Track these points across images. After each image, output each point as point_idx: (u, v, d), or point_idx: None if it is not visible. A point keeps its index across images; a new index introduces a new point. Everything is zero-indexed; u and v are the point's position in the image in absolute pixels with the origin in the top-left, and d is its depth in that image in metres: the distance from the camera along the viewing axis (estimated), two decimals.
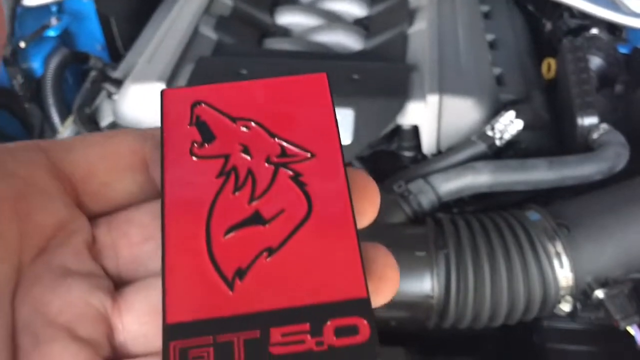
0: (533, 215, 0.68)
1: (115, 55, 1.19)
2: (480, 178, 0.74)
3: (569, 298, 0.67)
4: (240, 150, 0.23)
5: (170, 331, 0.19)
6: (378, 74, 0.85)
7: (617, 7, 0.97)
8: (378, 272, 0.22)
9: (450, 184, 0.74)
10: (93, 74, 0.98)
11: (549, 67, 0.97)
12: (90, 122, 0.92)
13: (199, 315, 0.20)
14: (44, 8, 1.11)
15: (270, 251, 0.21)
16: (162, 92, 0.25)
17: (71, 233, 0.22)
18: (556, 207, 0.71)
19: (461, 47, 0.92)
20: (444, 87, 0.82)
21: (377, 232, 0.65)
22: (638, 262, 0.68)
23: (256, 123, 0.24)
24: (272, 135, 0.24)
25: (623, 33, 1.02)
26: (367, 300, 0.20)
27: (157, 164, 0.23)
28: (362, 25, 1.07)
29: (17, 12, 1.05)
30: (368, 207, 0.23)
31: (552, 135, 0.86)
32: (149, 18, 1.11)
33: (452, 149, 0.80)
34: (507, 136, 0.79)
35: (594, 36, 0.98)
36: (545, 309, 0.67)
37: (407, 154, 0.84)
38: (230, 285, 0.20)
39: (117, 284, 0.22)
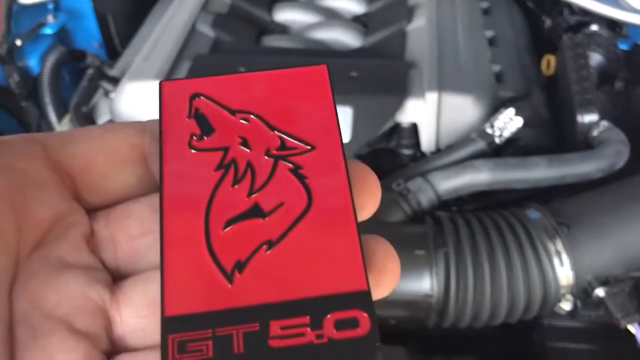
0: (533, 213, 0.68)
1: (113, 52, 1.19)
2: (479, 176, 0.73)
3: (569, 297, 0.67)
4: (239, 143, 0.23)
5: (169, 324, 0.19)
6: (377, 71, 0.84)
7: (617, 3, 0.97)
8: (379, 264, 0.21)
9: (450, 182, 0.74)
10: (90, 72, 0.97)
11: (549, 63, 0.97)
12: (87, 121, 0.91)
13: (198, 308, 0.20)
14: (41, 6, 1.10)
15: (270, 244, 0.21)
16: (161, 84, 0.25)
17: (69, 226, 0.22)
18: (556, 205, 0.71)
19: (460, 44, 0.91)
20: (443, 85, 0.82)
21: (376, 230, 0.65)
22: (639, 260, 0.68)
23: (255, 116, 0.24)
24: (272, 128, 0.23)
25: (623, 29, 1.01)
26: (367, 293, 0.20)
27: (155, 157, 0.23)
28: (360, 22, 1.07)
29: (14, 10, 1.05)
30: (368, 200, 0.23)
31: (551, 133, 0.85)
32: (146, 15, 1.11)
33: (452, 147, 0.79)
34: (506, 134, 0.78)
35: (594, 33, 0.97)
36: (546, 308, 0.67)
37: (406, 151, 0.83)
38: (230, 278, 0.20)
39: (116, 278, 0.22)
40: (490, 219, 0.68)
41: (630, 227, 0.68)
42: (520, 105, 0.80)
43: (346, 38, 1.01)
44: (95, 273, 0.21)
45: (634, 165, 0.75)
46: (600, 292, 0.66)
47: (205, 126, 0.23)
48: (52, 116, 1.04)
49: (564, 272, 0.65)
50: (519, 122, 0.79)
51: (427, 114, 0.80)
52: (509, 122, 0.79)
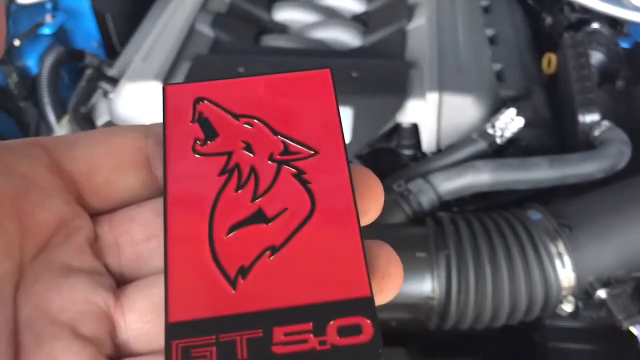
0: (534, 214, 0.68)
1: (112, 52, 1.18)
2: (481, 177, 0.73)
3: (570, 298, 0.66)
4: (242, 148, 0.23)
5: (173, 330, 0.19)
6: (377, 71, 0.84)
7: (618, 1, 0.96)
8: (381, 269, 0.21)
9: (451, 183, 0.73)
10: (89, 72, 0.97)
11: (549, 62, 0.96)
12: (86, 121, 0.91)
13: (202, 314, 0.20)
14: (39, 5, 1.10)
15: (273, 250, 0.21)
16: (164, 88, 0.25)
17: (73, 230, 0.22)
18: (557, 206, 0.70)
19: (461, 43, 0.91)
20: (443, 85, 0.81)
21: (377, 232, 0.65)
22: None
23: (259, 120, 0.24)
24: (275, 133, 0.23)
25: (624, 27, 1.01)
26: (370, 300, 0.20)
27: (159, 161, 0.23)
28: (360, 21, 1.06)
29: (11, 10, 1.04)
30: (371, 205, 0.23)
31: (553, 133, 0.85)
32: (145, 14, 1.10)
33: (452, 147, 0.79)
34: (507, 134, 0.78)
35: (595, 31, 0.97)
36: (547, 310, 0.67)
37: (407, 152, 0.83)
38: (233, 284, 0.20)
39: (120, 282, 0.22)
40: (491, 220, 0.68)
41: (632, 228, 0.67)
42: (521, 106, 0.80)
43: (346, 37, 1.00)
44: (99, 277, 0.21)
45: (635, 165, 0.75)
46: (602, 293, 0.66)
47: (209, 130, 0.23)
48: (51, 116, 1.03)
49: (565, 274, 0.65)
50: (520, 122, 0.78)
51: (428, 114, 0.80)
52: (510, 122, 0.78)
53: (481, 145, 0.78)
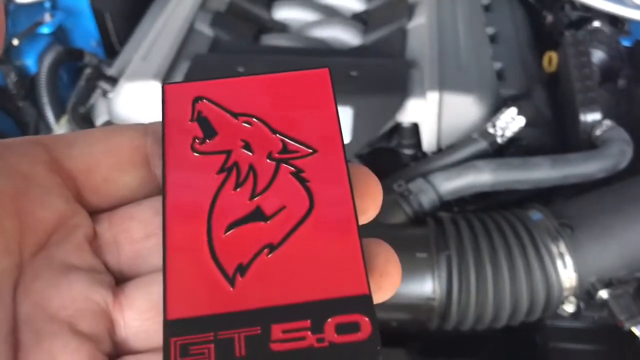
0: (535, 214, 0.67)
1: (111, 51, 1.18)
2: (481, 177, 0.72)
3: (572, 299, 0.66)
4: (241, 147, 0.23)
5: (171, 327, 0.19)
6: (377, 70, 0.84)
7: None
8: (380, 268, 0.21)
9: (452, 183, 0.73)
10: (88, 71, 0.97)
11: (550, 60, 0.96)
12: (85, 121, 0.91)
13: (200, 311, 0.20)
14: (37, 4, 1.09)
15: (272, 248, 0.21)
16: (164, 87, 0.25)
17: (72, 228, 0.22)
18: (559, 206, 0.70)
19: (461, 42, 0.91)
20: (444, 84, 0.81)
21: (377, 232, 0.64)
22: None
23: (258, 119, 0.24)
24: (274, 132, 0.23)
25: (625, 25, 1.00)
26: (368, 297, 0.20)
27: (158, 159, 0.23)
28: (360, 20, 1.06)
29: (10, 9, 1.04)
30: (370, 204, 0.23)
31: (554, 132, 0.85)
32: (144, 13, 1.10)
33: (453, 147, 0.79)
34: (508, 133, 0.78)
35: (596, 29, 0.96)
36: (549, 310, 0.66)
37: (407, 151, 0.83)
38: (231, 281, 0.20)
39: (118, 280, 0.22)
40: (492, 220, 0.68)
41: (634, 228, 0.67)
42: (522, 105, 0.79)
43: (346, 36, 1.00)
44: (98, 275, 0.21)
45: (637, 164, 0.74)
46: (603, 294, 0.66)
47: (208, 129, 0.23)
48: (50, 116, 1.03)
49: (567, 274, 0.65)
50: (521, 121, 0.78)
51: (428, 113, 0.80)
52: (511, 122, 0.78)
53: (482, 144, 0.77)
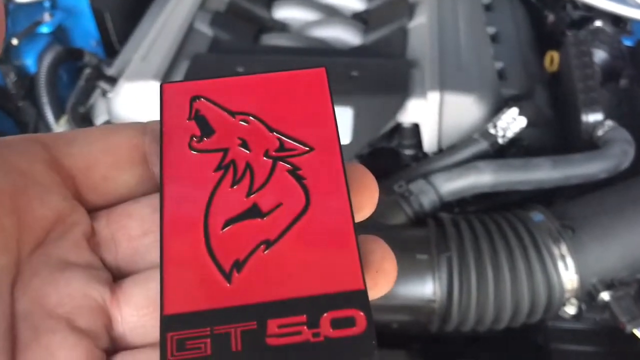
0: (537, 216, 0.67)
1: (111, 50, 1.17)
2: (482, 178, 0.72)
3: (574, 300, 0.66)
4: (238, 144, 0.23)
5: (168, 322, 0.20)
6: (377, 70, 0.83)
7: None
8: (376, 264, 0.22)
9: (452, 184, 0.73)
10: (87, 71, 0.96)
11: (552, 60, 0.96)
12: (84, 121, 0.91)
13: (197, 306, 0.20)
14: (37, 4, 1.09)
15: (268, 244, 0.21)
16: (162, 86, 0.25)
17: (70, 226, 0.22)
18: (560, 207, 0.70)
19: (462, 42, 0.90)
20: (445, 84, 0.80)
21: (378, 233, 0.64)
22: None
23: (255, 117, 0.24)
24: (271, 130, 0.24)
25: (627, 25, 1.00)
26: (364, 293, 0.20)
27: (156, 157, 0.23)
28: (360, 20, 1.05)
29: (9, 9, 1.04)
30: (366, 201, 0.23)
31: (555, 132, 0.84)
32: (144, 12, 1.09)
33: (454, 147, 0.78)
34: (509, 134, 0.77)
35: (598, 29, 0.96)
36: (550, 312, 0.66)
37: (408, 152, 0.82)
38: (228, 277, 0.21)
39: (116, 276, 0.22)
40: (493, 221, 0.67)
41: (636, 229, 0.67)
42: (523, 105, 0.79)
43: (346, 36, 1.00)
44: (96, 272, 0.22)
45: (639, 165, 0.74)
46: (605, 295, 0.65)
47: (205, 128, 0.24)
48: (50, 116, 1.02)
49: (568, 276, 0.64)
50: (522, 122, 0.78)
51: (429, 113, 0.79)
52: (512, 122, 0.77)
53: (483, 145, 0.77)
